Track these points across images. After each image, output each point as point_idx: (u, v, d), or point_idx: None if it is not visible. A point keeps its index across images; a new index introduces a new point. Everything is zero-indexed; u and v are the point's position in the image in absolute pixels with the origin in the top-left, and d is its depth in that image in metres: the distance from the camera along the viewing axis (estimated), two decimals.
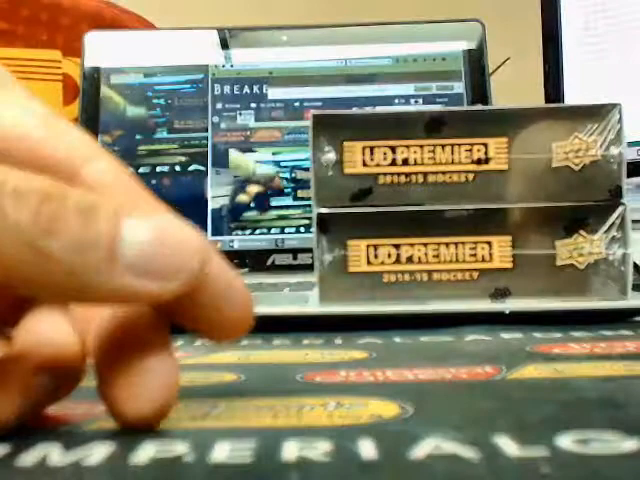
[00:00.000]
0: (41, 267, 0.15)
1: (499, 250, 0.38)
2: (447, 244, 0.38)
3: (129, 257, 0.16)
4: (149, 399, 0.18)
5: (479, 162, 0.39)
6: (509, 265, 0.38)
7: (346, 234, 0.38)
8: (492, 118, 0.39)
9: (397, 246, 0.38)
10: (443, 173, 0.39)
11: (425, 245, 0.38)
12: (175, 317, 0.19)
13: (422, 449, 0.16)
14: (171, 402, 0.18)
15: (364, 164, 0.39)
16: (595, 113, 0.39)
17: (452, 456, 0.16)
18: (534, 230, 0.39)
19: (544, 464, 0.15)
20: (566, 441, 0.17)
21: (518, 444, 0.16)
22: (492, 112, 0.40)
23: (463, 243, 0.38)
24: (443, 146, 0.39)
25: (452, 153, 0.39)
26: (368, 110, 0.70)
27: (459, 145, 0.39)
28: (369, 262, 0.38)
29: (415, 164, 0.39)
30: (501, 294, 0.38)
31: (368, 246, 0.38)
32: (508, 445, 0.16)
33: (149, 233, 0.16)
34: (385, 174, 0.39)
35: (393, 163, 0.39)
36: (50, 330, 0.19)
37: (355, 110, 0.69)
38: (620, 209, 0.38)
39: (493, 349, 0.32)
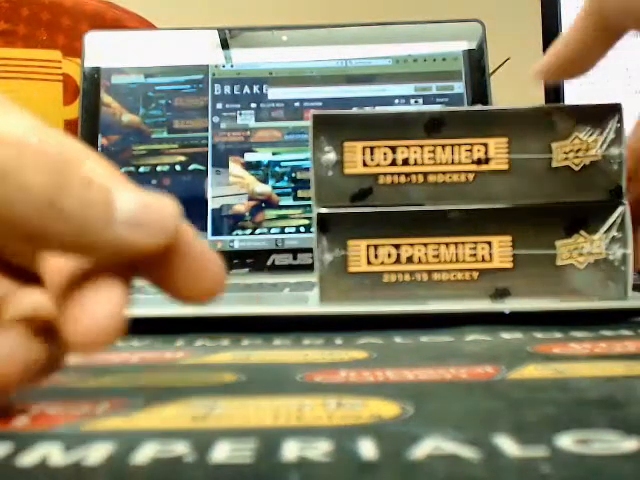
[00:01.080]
0: (56, 221, 0.19)
1: (499, 250, 0.38)
2: (447, 244, 0.38)
3: (123, 216, 0.20)
4: (95, 324, 0.19)
5: (479, 162, 0.39)
6: (509, 265, 0.38)
7: (346, 234, 0.38)
8: (492, 118, 0.39)
9: (397, 246, 0.38)
10: (443, 173, 0.39)
11: (425, 245, 0.38)
12: (152, 279, 0.22)
13: (422, 449, 0.16)
14: (116, 330, 0.20)
15: (364, 164, 0.39)
16: (595, 113, 0.39)
17: (452, 456, 0.16)
18: (534, 230, 0.39)
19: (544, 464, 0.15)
20: (566, 441, 0.17)
21: (518, 444, 0.16)
22: (492, 112, 0.40)
23: (463, 243, 0.38)
24: (443, 146, 0.39)
25: (452, 153, 0.39)
26: (368, 110, 0.70)
27: (459, 145, 0.39)
28: (369, 262, 0.38)
29: (415, 164, 0.39)
30: (501, 294, 0.38)
31: (368, 246, 0.38)
32: (508, 445, 0.16)
33: (136, 200, 0.21)
34: (385, 174, 0.39)
35: (393, 163, 0.39)
36: (38, 300, 0.22)
37: (355, 110, 0.69)
38: (620, 209, 0.38)
39: (493, 349, 0.32)
